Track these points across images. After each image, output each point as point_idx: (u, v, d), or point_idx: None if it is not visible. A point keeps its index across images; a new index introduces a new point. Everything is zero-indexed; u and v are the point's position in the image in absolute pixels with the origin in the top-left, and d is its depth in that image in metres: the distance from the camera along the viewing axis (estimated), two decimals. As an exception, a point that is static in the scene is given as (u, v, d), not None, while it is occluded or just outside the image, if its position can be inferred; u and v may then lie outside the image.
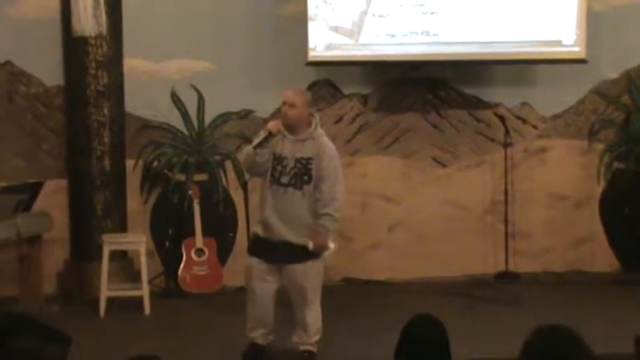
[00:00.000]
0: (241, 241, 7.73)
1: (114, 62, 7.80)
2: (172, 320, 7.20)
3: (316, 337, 6.00)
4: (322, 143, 5.92)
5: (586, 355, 2.96)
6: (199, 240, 7.72)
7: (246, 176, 7.63)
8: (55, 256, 7.84)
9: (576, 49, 8.18)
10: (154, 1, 8.09)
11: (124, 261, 7.77)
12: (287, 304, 6.04)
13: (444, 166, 8.56)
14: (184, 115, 7.98)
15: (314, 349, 6.01)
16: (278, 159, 5.88)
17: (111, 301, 7.25)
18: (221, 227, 7.94)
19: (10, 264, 7.20)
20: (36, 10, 7.91)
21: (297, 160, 5.86)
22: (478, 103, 8.57)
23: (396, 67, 8.37)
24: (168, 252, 7.90)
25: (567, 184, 8.62)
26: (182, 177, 7.83)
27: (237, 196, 8.01)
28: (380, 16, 8.04)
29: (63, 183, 7.94)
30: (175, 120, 8.00)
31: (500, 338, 6.10)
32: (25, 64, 7.95)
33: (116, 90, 7.85)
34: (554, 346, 2.96)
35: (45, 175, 7.71)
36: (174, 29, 8.08)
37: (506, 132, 8.30)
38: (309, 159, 5.86)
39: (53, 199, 7.78)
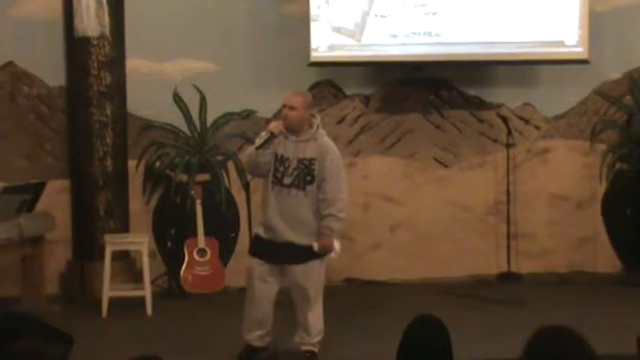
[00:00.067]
0: (243, 241, 7.73)
1: (116, 63, 7.81)
2: (174, 320, 7.20)
3: (318, 338, 6.00)
4: (324, 144, 5.92)
5: (588, 355, 2.96)
6: (201, 240, 7.72)
7: (248, 177, 7.63)
8: (58, 257, 7.85)
9: (579, 49, 8.18)
10: (156, 1, 8.09)
11: (126, 261, 7.78)
12: (288, 305, 6.04)
13: (446, 166, 8.56)
14: (186, 115, 7.99)
15: (316, 349, 6.01)
16: (280, 160, 5.88)
17: (113, 301, 7.25)
18: (223, 227, 7.94)
19: (13, 264, 7.20)
20: (38, 11, 7.92)
21: (300, 161, 5.87)
22: (480, 104, 8.57)
23: (399, 67, 8.37)
24: (170, 252, 7.90)
25: (569, 185, 8.62)
26: (184, 177, 7.83)
27: (239, 196, 8.02)
28: (382, 16, 8.04)
29: (65, 183, 7.95)
30: (177, 120, 8.00)
31: (503, 339, 6.11)
32: (27, 64, 7.96)
33: (118, 90, 7.85)
34: (557, 347, 2.96)
35: (47, 176, 7.71)
36: (176, 30, 8.08)
37: (509, 132, 8.30)
38: (311, 159, 5.86)
39: (56, 199, 7.79)
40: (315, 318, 5.97)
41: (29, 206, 7.06)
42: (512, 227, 8.36)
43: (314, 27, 7.99)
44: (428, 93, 8.53)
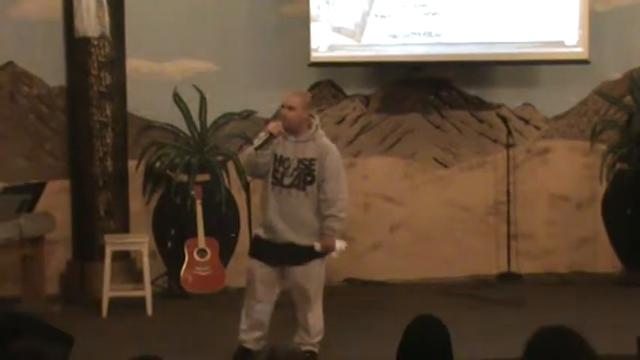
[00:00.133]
0: (243, 241, 7.72)
1: (116, 63, 7.81)
2: (175, 321, 7.20)
3: (318, 338, 6.00)
4: (324, 144, 5.92)
5: (589, 355, 2.96)
6: (201, 240, 7.72)
7: (248, 177, 7.62)
8: (58, 257, 7.85)
9: (579, 49, 8.18)
10: (156, 1, 8.09)
11: (126, 261, 7.78)
12: (288, 305, 6.04)
13: (446, 166, 8.56)
14: (186, 115, 7.98)
15: (316, 349, 6.01)
16: (279, 160, 5.88)
17: (113, 301, 7.25)
18: (223, 228, 7.94)
19: (13, 264, 7.20)
20: (39, 11, 7.92)
21: (300, 161, 5.86)
22: (480, 104, 8.57)
23: (399, 67, 8.37)
24: (170, 252, 7.90)
25: (570, 185, 8.62)
26: (184, 177, 7.83)
27: (239, 196, 8.02)
28: (382, 16, 8.04)
29: (65, 183, 7.95)
30: (178, 120, 8.00)
31: (503, 339, 6.11)
32: (27, 64, 7.96)
33: (118, 90, 7.85)
34: (557, 347, 2.96)
35: (47, 176, 7.71)
36: (176, 30, 8.08)
37: (509, 133, 8.30)
38: (311, 160, 5.86)
39: (56, 199, 7.79)
40: (315, 318, 5.97)
41: (29, 206, 7.06)
42: (513, 227, 8.36)
43: (314, 27, 8.00)
44: (428, 93, 8.53)
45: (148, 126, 8.06)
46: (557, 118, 8.64)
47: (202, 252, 7.74)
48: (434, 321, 3.45)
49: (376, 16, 8.04)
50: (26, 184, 7.25)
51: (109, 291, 7.25)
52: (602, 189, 8.37)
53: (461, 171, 8.57)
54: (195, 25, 8.11)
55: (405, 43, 8.08)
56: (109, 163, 7.80)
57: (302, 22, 8.00)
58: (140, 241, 7.46)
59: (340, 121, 8.44)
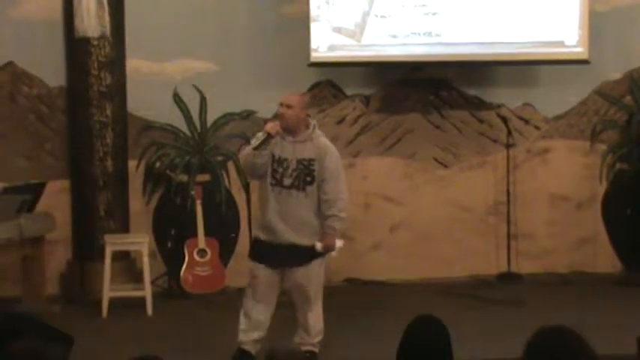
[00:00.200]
0: (243, 241, 7.72)
1: (116, 63, 7.81)
2: (175, 321, 7.20)
3: (318, 338, 6.01)
4: (323, 144, 5.93)
5: (588, 355, 2.96)
6: (201, 240, 7.72)
7: (248, 177, 7.63)
8: (58, 257, 7.85)
9: (579, 49, 8.18)
10: (156, 1, 8.09)
11: (126, 261, 7.78)
12: (288, 305, 6.04)
13: (446, 166, 8.56)
14: (186, 115, 7.99)
15: (316, 349, 6.01)
16: (278, 161, 5.88)
17: (113, 301, 7.25)
18: (223, 228, 7.94)
19: (13, 264, 7.20)
20: (39, 11, 7.92)
21: (299, 162, 5.87)
22: (480, 104, 8.57)
23: (399, 67, 8.37)
24: (170, 252, 7.91)
25: (569, 185, 8.62)
26: (184, 178, 7.83)
27: (239, 196, 8.02)
28: (382, 16, 8.04)
29: (65, 184, 7.95)
30: (178, 121, 8.00)
31: (503, 339, 6.11)
32: (27, 64, 7.96)
33: (118, 91, 7.85)
34: (557, 347, 2.96)
35: (47, 176, 7.71)
36: (176, 30, 8.08)
37: (509, 133, 8.30)
38: (310, 160, 5.87)
39: (56, 199, 7.79)
40: (315, 318, 5.97)
41: (29, 206, 7.06)
42: (512, 227, 8.36)
43: (314, 27, 7.99)
44: (428, 93, 8.53)
45: (148, 126, 8.06)
46: (557, 118, 8.64)
47: (202, 252, 7.74)
48: (434, 321, 3.45)
49: (376, 16, 8.04)
50: (26, 184, 7.25)
51: (109, 291, 7.25)
52: (602, 189, 8.37)
53: (461, 171, 8.57)
54: (196, 25, 8.11)
55: (405, 43, 8.08)
56: (109, 163, 7.81)
57: (302, 22, 8.00)
58: (140, 241, 7.46)
59: (340, 121, 8.44)
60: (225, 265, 7.89)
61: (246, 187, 7.86)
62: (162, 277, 7.92)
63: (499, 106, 8.56)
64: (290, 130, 5.88)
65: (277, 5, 8.23)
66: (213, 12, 8.16)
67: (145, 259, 7.35)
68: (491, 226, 8.52)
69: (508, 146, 8.35)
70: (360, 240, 8.32)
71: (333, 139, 6.23)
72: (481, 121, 8.58)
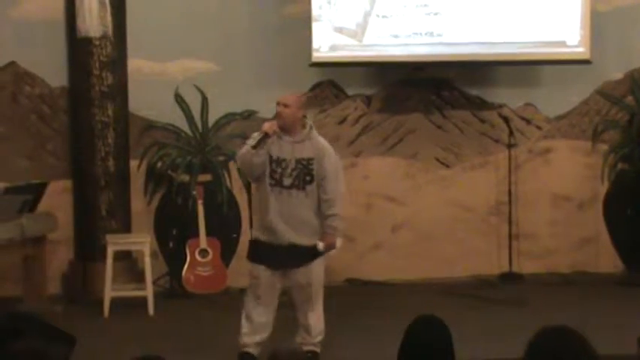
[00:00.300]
0: (245, 242, 7.69)
1: (118, 63, 7.81)
2: (176, 321, 7.20)
3: (319, 338, 6.01)
4: (320, 144, 5.95)
5: (590, 355, 2.96)
6: (203, 240, 7.72)
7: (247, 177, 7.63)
8: (60, 257, 7.86)
9: (580, 49, 8.18)
10: (158, 2, 8.09)
11: (128, 261, 7.78)
12: (288, 305, 6.04)
13: (448, 166, 8.56)
14: (188, 115, 7.99)
15: (318, 349, 6.01)
16: (276, 161, 5.88)
17: (115, 301, 7.26)
18: (225, 228, 7.94)
19: (15, 264, 7.21)
20: (40, 11, 7.92)
21: (298, 161, 5.87)
22: (482, 104, 8.57)
23: (400, 67, 8.37)
24: (172, 252, 7.91)
25: (571, 185, 8.62)
26: (186, 177, 7.83)
27: (240, 196, 8.02)
28: (384, 16, 8.04)
29: (67, 183, 7.96)
30: (179, 121, 8.00)
31: (505, 339, 6.11)
32: (29, 64, 7.96)
33: (120, 90, 7.86)
34: (559, 347, 2.97)
35: (49, 176, 7.72)
36: (178, 30, 8.08)
37: (510, 133, 8.30)
38: (309, 159, 5.87)
39: (57, 199, 7.79)
40: (316, 318, 5.97)
41: (31, 206, 7.07)
42: (514, 227, 8.36)
43: (316, 27, 7.99)
44: (430, 93, 8.53)
45: (149, 126, 8.07)
46: (559, 118, 8.64)
47: (204, 252, 7.75)
48: (435, 321, 3.45)
49: (378, 16, 8.04)
50: (28, 184, 7.25)
51: (110, 291, 7.25)
52: (603, 189, 8.37)
53: (463, 171, 8.57)
54: (197, 25, 8.11)
55: (406, 43, 8.08)
56: (110, 163, 7.81)
57: (303, 22, 8.00)
58: (142, 241, 7.47)
59: (342, 121, 8.44)
60: (227, 265, 7.89)
61: (248, 187, 7.86)
62: (163, 277, 7.92)
63: (501, 106, 8.55)
64: (287, 129, 5.89)
65: (279, 5, 8.23)
66: (214, 12, 8.16)
67: (147, 259, 7.36)
68: (493, 226, 8.52)
69: (510, 146, 8.35)
70: (362, 240, 8.32)
71: (335, 139, 6.24)
72: (483, 121, 8.58)
